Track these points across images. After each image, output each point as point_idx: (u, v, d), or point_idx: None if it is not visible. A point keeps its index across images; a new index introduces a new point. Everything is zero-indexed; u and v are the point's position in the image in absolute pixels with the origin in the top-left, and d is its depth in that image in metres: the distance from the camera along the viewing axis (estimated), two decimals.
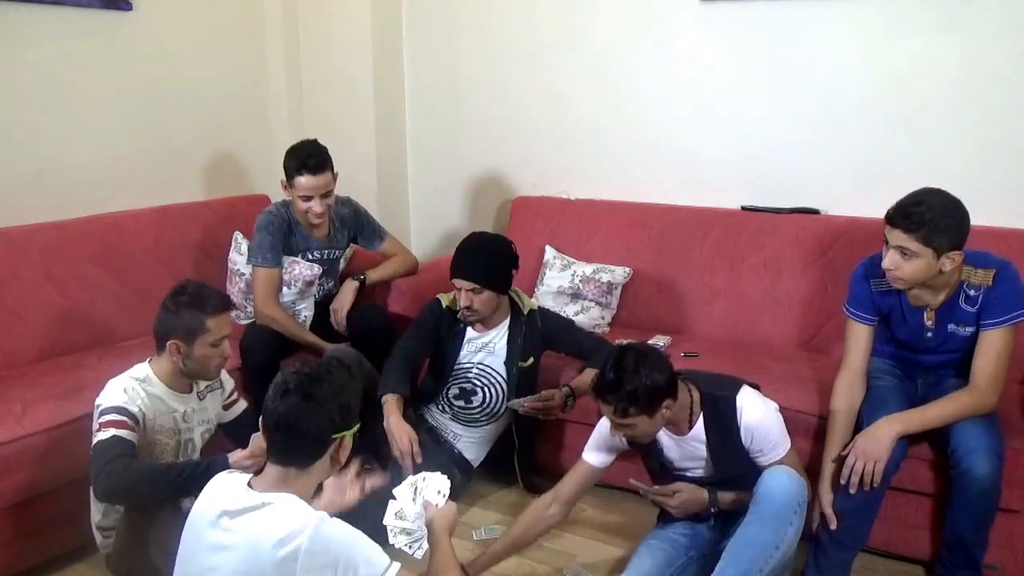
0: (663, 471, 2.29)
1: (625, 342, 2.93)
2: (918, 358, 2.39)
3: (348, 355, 2.69)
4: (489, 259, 2.69)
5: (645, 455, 2.33)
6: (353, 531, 1.56)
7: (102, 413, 2.07)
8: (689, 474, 2.27)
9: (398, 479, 1.94)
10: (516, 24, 3.60)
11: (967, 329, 2.24)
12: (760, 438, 2.14)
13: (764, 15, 3.10)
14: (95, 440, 2.04)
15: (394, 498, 1.84)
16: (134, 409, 2.09)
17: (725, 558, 2.03)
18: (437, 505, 1.83)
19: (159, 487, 2.00)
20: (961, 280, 2.22)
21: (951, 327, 2.26)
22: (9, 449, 2.27)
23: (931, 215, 2.09)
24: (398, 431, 2.51)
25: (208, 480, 1.96)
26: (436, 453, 2.76)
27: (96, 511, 2.24)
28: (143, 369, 2.21)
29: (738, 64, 3.19)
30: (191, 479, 2.01)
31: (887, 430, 2.14)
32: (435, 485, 1.85)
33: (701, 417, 2.17)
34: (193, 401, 2.28)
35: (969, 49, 2.81)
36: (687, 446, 2.22)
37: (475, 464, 2.85)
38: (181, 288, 2.19)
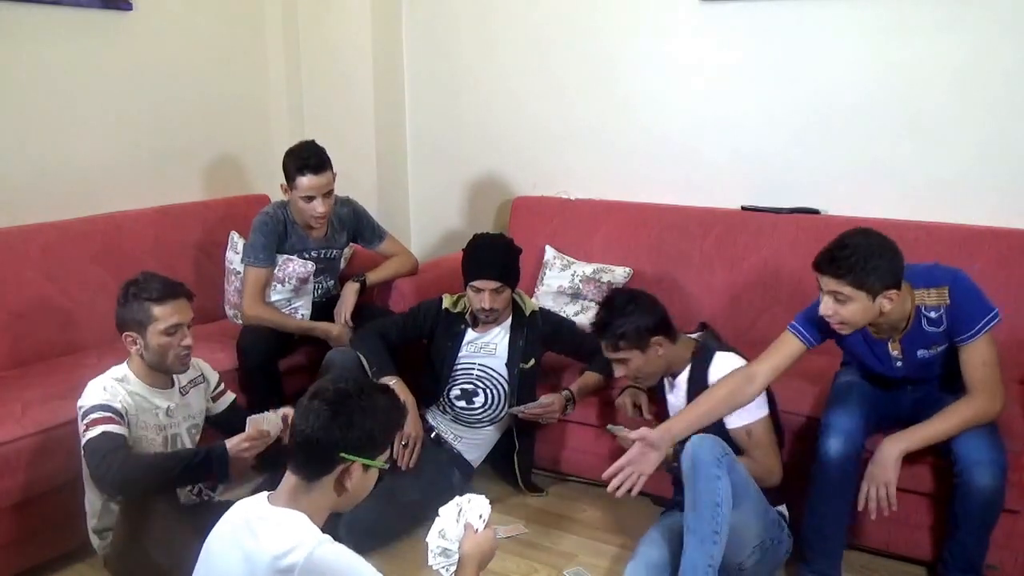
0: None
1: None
2: (895, 382, 2.35)
3: (349, 357, 2.68)
4: (506, 257, 2.71)
5: (656, 401, 2.54)
6: (353, 556, 1.52)
7: (86, 413, 2.08)
8: None
9: (435, 497, 1.91)
10: (516, 24, 3.60)
11: (938, 349, 2.21)
12: None
13: (764, 15, 3.10)
14: (85, 439, 2.05)
15: (439, 516, 1.82)
16: (117, 405, 2.11)
17: (685, 536, 2.08)
18: (477, 529, 1.78)
19: (161, 476, 2.03)
20: (916, 305, 2.17)
21: (921, 353, 2.23)
22: (9, 449, 2.28)
23: (856, 258, 2.04)
24: (411, 428, 2.60)
25: (208, 468, 2.04)
26: (436, 454, 2.76)
27: (91, 515, 2.24)
28: (121, 369, 2.22)
29: (738, 64, 3.19)
30: (192, 467, 2.05)
31: (890, 451, 2.13)
32: (478, 508, 1.82)
33: (690, 365, 2.34)
34: (176, 397, 2.28)
35: (969, 49, 2.81)
36: (675, 393, 2.39)
37: (475, 465, 2.85)
38: (132, 280, 2.20)
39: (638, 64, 3.38)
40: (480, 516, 1.80)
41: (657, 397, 2.52)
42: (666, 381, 2.42)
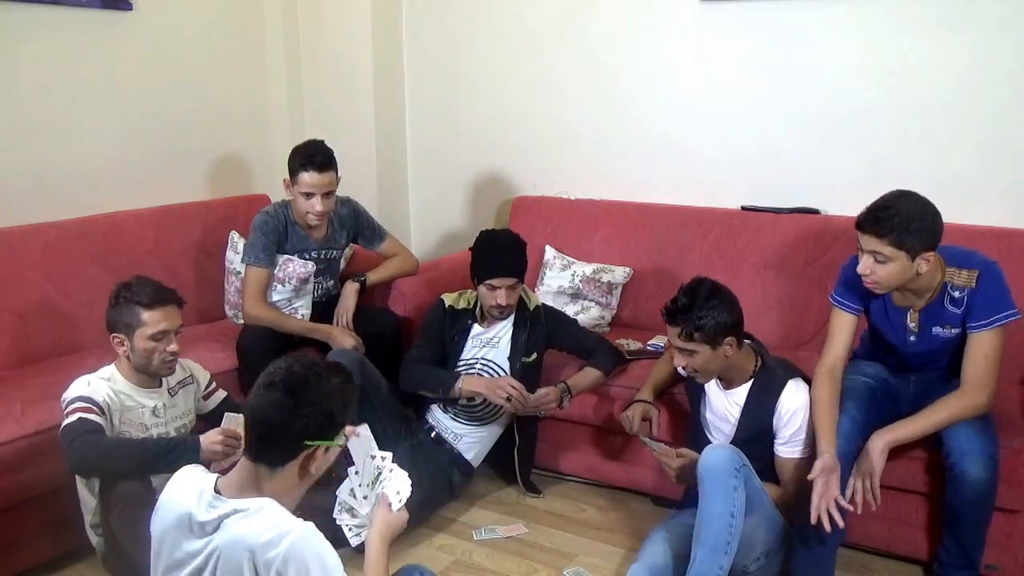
0: (698, 426, 2.43)
1: (626, 342, 2.96)
2: (904, 360, 2.37)
3: (350, 359, 2.68)
4: (518, 253, 2.72)
5: (690, 397, 2.50)
6: (328, 551, 1.48)
7: (68, 403, 2.12)
8: (713, 430, 2.39)
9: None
10: (516, 24, 3.60)
11: (952, 331, 2.23)
12: (788, 424, 2.25)
13: (764, 15, 3.10)
14: (63, 425, 2.09)
15: (357, 472, 1.76)
16: (99, 399, 2.14)
17: (694, 544, 2.08)
18: (391, 506, 1.73)
19: (128, 460, 2.05)
20: (944, 281, 2.20)
21: (935, 330, 2.25)
22: (9, 449, 2.28)
23: (900, 218, 2.07)
24: (502, 386, 2.60)
25: (175, 458, 2.01)
26: (436, 454, 2.76)
27: (87, 512, 2.25)
28: (108, 370, 2.25)
29: (738, 64, 3.19)
30: (160, 456, 2.07)
31: (876, 444, 2.14)
32: (398, 483, 1.75)
33: (752, 381, 2.30)
34: (164, 397, 2.30)
35: (970, 49, 2.81)
36: (726, 402, 2.34)
37: (475, 464, 2.85)
38: (124, 283, 2.23)
39: (638, 64, 3.38)
40: (398, 493, 1.73)
41: (691, 396, 2.49)
42: (716, 383, 2.37)
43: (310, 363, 1.59)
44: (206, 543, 1.49)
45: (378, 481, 1.74)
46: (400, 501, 1.73)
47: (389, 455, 1.77)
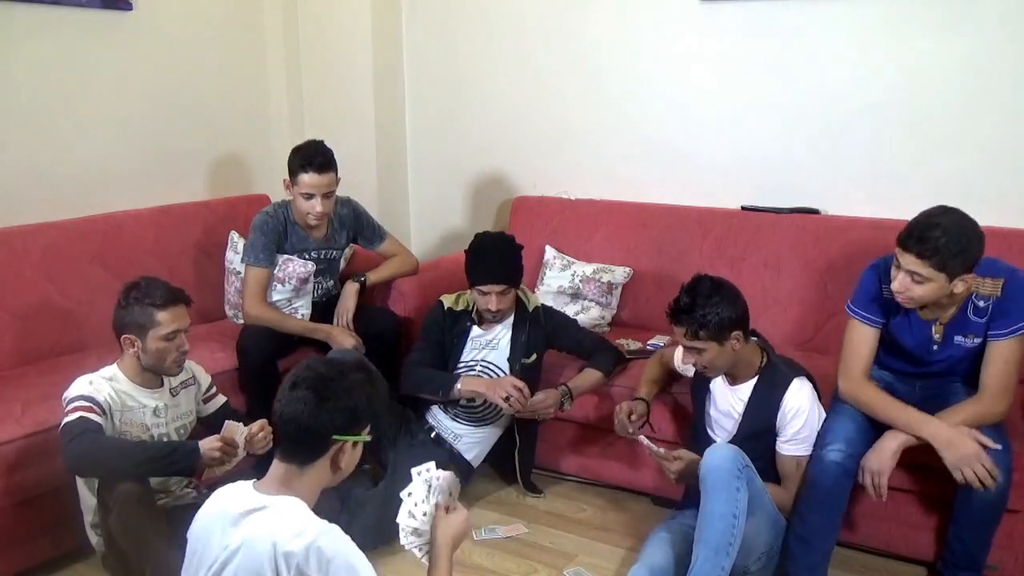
0: (701, 424, 2.43)
1: (626, 342, 2.96)
2: (919, 368, 2.35)
3: (350, 359, 2.68)
4: (510, 258, 2.71)
5: (695, 395, 2.48)
6: (353, 549, 1.53)
7: (69, 402, 2.13)
8: (716, 427, 2.39)
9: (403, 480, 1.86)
10: (516, 25, 3.60)
11: (975, 340, 2.20)
12: (791, 423, 2.25)
13: (764, 15, 3.10)
14: (63, 423, 2.10)
15: (410, 494, 1.77)
16: (100, 398, 2.15)
17: (696, 544, 2.07)
18: (448, 508, 1.77)
19: (126, 461, 2.06)
20: (970, 292, 2.17)
21: (958, 339, 2.23)
22: (9, 449, 2.28)
23: (946, 240, 2.01)
24: (503, 386, 2.59)
25: (173, 462, 2.09)
26: (436, 454, 2.76)
27: (87, 512, 2.25)
28: (110, 369, 2.26)
29: (738, 64, 3.19)
30: (159, 458, 2.09)
31: (890, 443, 2.14)
32: (448, 484, 1.79)
33: (757, 378, 2.30)
34: (166, 397, 2.31)
35: (970, 49, 2.81)
36: (730, 398, 2.33)
37: (475, 464, 2.85)
38: (133, 284, 2.24)
39: (638, 64, 3.38)
40: (451, 494, 1.78)
41: (696, 396, 2.48)
42: (723, 379, 2.36)
43: (331, 362, 1.68)
44: (231, 537, 1.54)
45: (431, 492, 1.77)
46: (454, 499, 1.78)
47: (432, 464, 1.79)
